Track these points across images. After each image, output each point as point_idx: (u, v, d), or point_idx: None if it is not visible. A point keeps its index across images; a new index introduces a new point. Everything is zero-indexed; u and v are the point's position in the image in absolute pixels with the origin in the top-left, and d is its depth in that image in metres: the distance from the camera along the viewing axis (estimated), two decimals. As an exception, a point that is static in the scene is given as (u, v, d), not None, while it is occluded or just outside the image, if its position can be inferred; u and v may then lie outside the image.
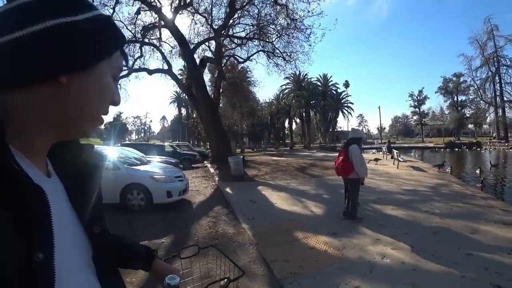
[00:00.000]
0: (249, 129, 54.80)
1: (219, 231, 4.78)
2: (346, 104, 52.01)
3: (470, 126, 68.36)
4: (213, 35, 15.57)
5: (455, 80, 58.55)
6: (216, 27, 15.42)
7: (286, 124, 52.84)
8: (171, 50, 17.01)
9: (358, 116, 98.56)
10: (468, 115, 60.89)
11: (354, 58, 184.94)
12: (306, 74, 47.06)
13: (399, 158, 12.66)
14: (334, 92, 50.27)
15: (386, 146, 15.79)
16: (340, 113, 52.94)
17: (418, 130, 71.71)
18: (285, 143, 53.84)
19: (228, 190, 7.89)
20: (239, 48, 17.59)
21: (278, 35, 15.86)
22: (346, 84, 77.40)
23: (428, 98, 63.39)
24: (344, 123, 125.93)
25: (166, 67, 15.99)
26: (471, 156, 27.09)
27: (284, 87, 48.72)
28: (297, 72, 45.91)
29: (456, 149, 34.54)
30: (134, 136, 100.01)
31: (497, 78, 51.50)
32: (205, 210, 6.23)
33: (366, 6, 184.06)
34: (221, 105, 26.44)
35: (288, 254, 3.67)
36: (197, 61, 15.51)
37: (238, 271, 0.96)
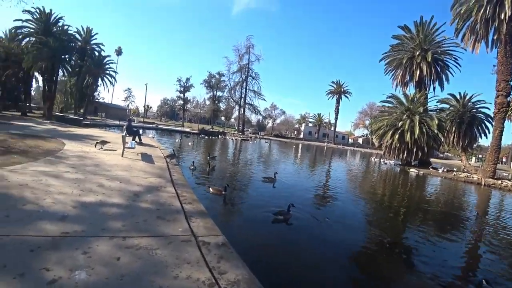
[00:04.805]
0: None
1: None
2: (108, 71, 44.37)
3: (222, 118, 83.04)
4: None
5: (217, 77, 68.72)
6: None
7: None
8: None
9: (126, 90, 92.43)
10: (222, 109, 73.84)
11: (133, 27, 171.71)
12: (60, 18, 34.93)
13: (130, 143, 9.96)
14: (97, 54, 41.23)
15: (126, 126, 12.63)
16: (101, 82, 44.51)
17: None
18: (29, 107, 38.26)
19: None
20: None
21: None
22: (119, 52, 69.00)
23: (194, 87, 69.53)
24: (108, 96, 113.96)
25: None
26: (216, 143, 30.47)
27: (20, 23, 33.56)
28: (47, 10, 33.55)
29: (207, 136, 38.40)
30: None
31: (244, 84, 66.21)
32: None
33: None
34: None
35: None
36: None
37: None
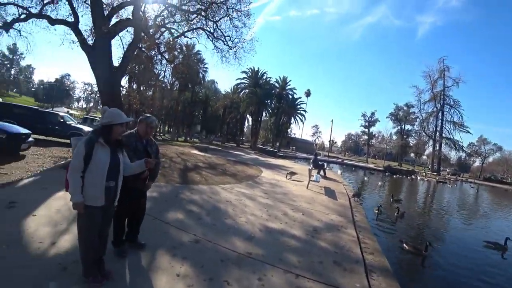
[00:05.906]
0: (203, 119, 51.19)
1: None
2: (299, 111, 50.39)
3: (412, 154, 72.23)
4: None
5: (406, 109, 60.70)
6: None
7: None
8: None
9: (313, 126, 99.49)
10: (411, 144, 63.76)
11: (318, 70, 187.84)
12: (264, 72, 44.88)
13: (315, 177, 10.24)
14: (290, 97, 48.33)
15: (312, 159, 13.28)
16: (293, 120, 51.26)
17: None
18: (241, 140, 51.46)
19: None
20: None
21: (226, 13, 13.43)
22: (308, 93, 77.08)
23: (379, 121, 65.06)
24: (298, 131, 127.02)
25: (72, 19, 11.87)
26: (402, 183, 26.47)
27: (240, 81, 46.21)
28: (256, 68, 44.15)
29: (393, 175, 34.17)
30: (82, 104, 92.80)
31: (440, 114, 53.63)
32: None
33: (341, 27, 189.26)
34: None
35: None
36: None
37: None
